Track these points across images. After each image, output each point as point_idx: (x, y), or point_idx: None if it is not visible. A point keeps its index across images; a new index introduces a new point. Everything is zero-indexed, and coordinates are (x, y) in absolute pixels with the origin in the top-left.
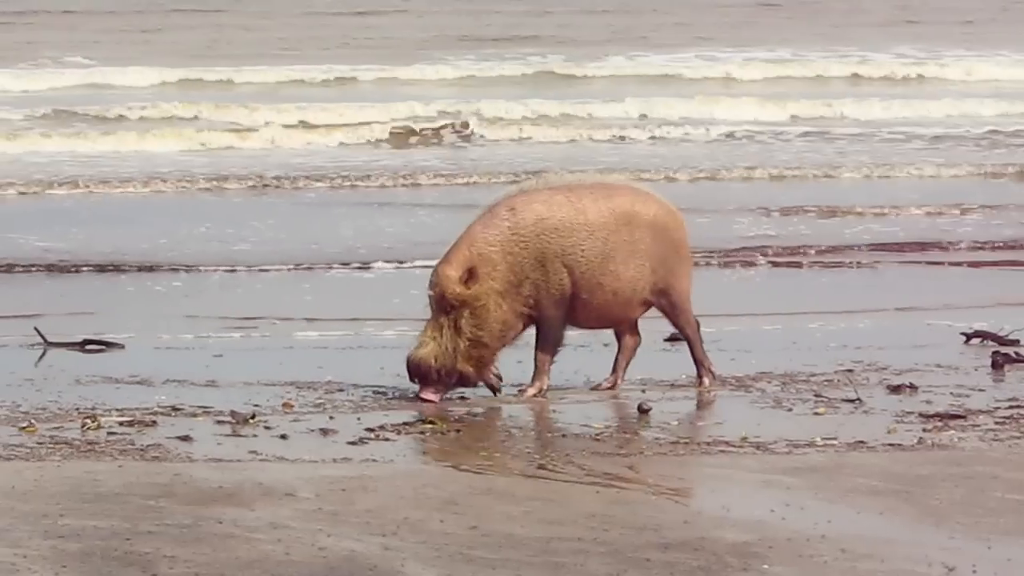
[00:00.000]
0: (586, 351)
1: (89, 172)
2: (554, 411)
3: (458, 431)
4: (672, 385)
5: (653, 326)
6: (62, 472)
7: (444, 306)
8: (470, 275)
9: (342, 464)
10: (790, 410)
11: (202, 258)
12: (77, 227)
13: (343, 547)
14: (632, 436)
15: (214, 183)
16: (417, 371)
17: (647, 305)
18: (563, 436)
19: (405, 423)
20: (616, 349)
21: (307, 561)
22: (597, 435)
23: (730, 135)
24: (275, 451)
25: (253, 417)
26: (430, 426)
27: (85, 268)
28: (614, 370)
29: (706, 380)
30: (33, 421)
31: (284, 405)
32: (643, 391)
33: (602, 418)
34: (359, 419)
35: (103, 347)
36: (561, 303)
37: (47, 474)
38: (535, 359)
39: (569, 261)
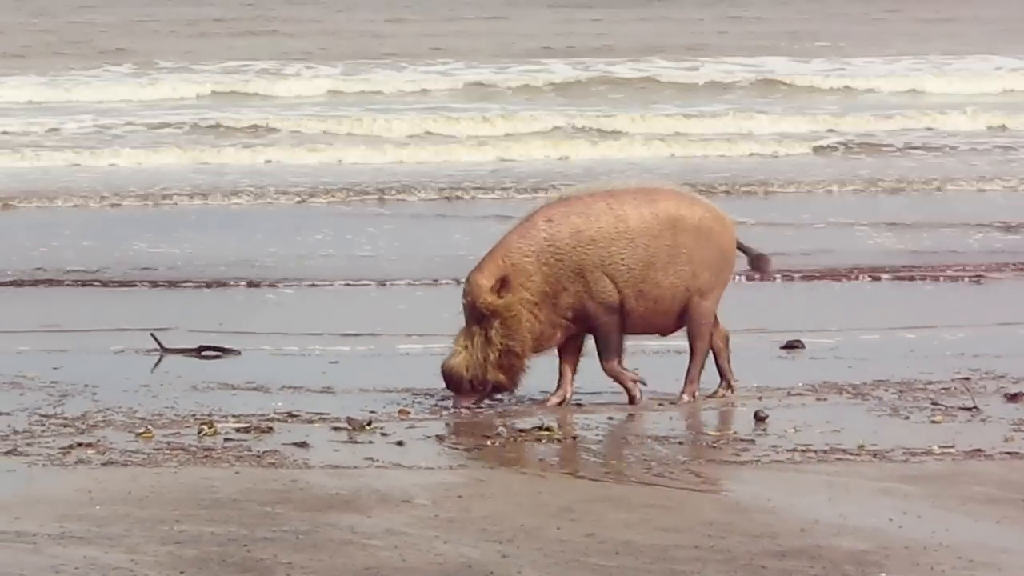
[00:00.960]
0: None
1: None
2: (671, 418)
3: (574, 438)
4: (789, 393)
5: (768, 335)
6: (179, 478)
7: (476, 315)
8: (502, 285)
9: (458, 471)
10: (907, 418)
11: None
12: (204, 237)
13: (459, 554)
14: (749, 444)
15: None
16: (449, 380)
17: (685, 312)
18: (680, 443)
19: (521, 430)
20: (714, 357)
21: (423, 568)
22: (714, 443)
23: None
24: (391, 458)
25: (370, 424)
26: (546, 433)
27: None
28: (722, 376)
29: (685, 397)
30: (150, 427)
31: (400, 412)
32: (759, 399)
33: (718, 426)
34: (475, 426)
35: (219, 353)
36: (612, 309)
37: (164, 480)
38: (606, 373)
39: (610, 270)
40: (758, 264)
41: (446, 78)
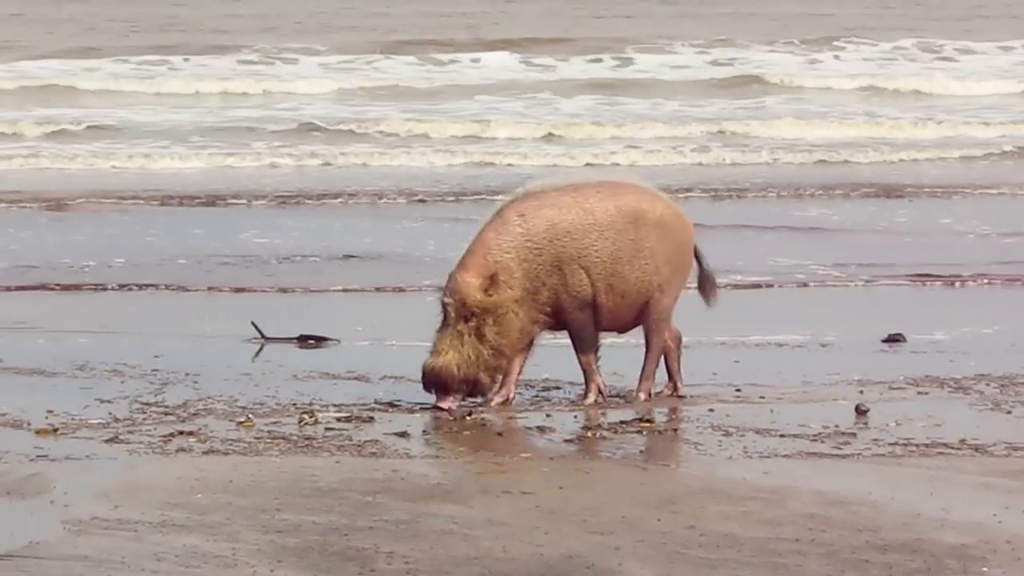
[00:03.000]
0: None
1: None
2: (772, 411)
3: (675, 430)
4: (890, 386)
5: (871, 327)
6: (280, 467)
7: (464, 314)
8: (491, 282)
9: (559, 462)
10: (1009, 412)
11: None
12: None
13: (561, 545)
14: (850, 437)
15: None
16: (438, 380)
17: (644, 309)
18: (780, 436)
19: (622, 421)
20: (664, 357)
21: (524, 558)
22: (815, 436)
23: None
24: (492, 448)
25: (471, 414)
26: (647, 424)
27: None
28: (670, 377)
29: (641, 395)
30: (251, 416)
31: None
32: (861, 392)
33: (820, 419)
34: (576, 417)
35: (319, 342)
36: (585, 304)
37: (265, 469)
38: (580, 365)
39: (585, 263)
40: (704, 281)
41: None
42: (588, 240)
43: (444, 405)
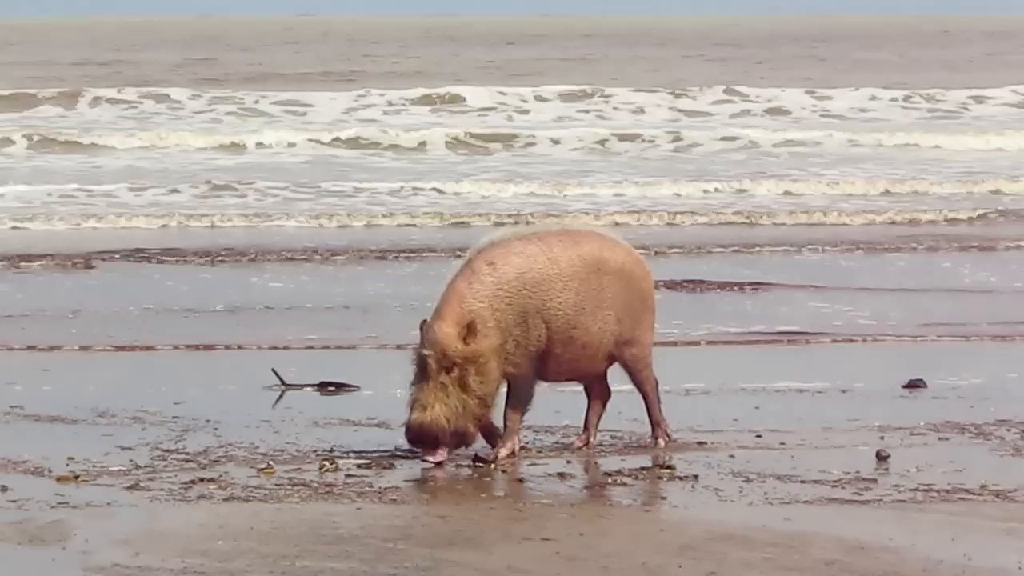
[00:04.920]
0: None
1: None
2: (792, 457)
3: (695, 477)
4: (911, 432)
5: (891, 375)
6: (300, 514)
7: (445, 365)
8: (469, 331)
9: (580, 508)
10: None
11: None
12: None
13: None
14: (871, 483)
15: None
16: (428, 435)
17: (611, 359)
18: (801, 482)
19: (642, 468)
20: (588, 405)
21: None
22: (835, 482)
23: None
24: (513, 494)
25: (494, 461)
26: (668, 471)
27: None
28: (586, 427)
29: (660, 441)
30: (271, 463)
31: (520, 448)
32: (881, 438)
33: (840, 465)
34: (597, 463)
35: (340, 389)
36: (535, 359)
37: (285, 516)
38: (505, 418)
39: (547, 315)
40: None
41: None
42: (553, 291)
43: (434, 459)
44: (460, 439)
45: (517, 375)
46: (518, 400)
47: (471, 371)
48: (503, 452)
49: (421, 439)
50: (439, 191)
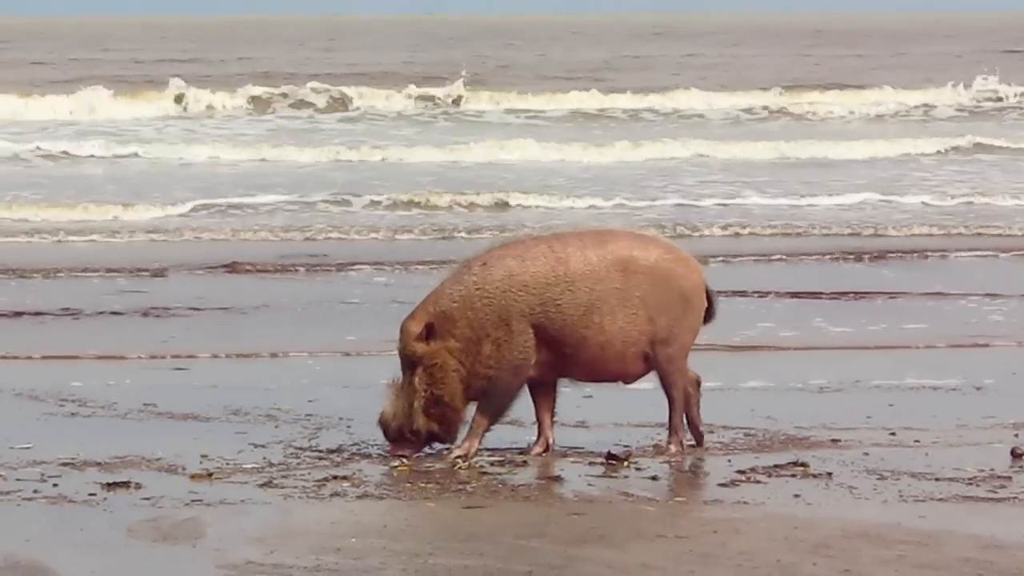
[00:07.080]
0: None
1: None
2: (926, 455)
3: (829, 474)
4: None
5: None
6: (433, 511)
7: (406, 362)
8: (428, 332)
9: (713, 506)
10: None
11: None
12: None
13: None
14: (1006, 480)
15: None
16: (381, 428)
17: (649, 360)
18: (936, 480)
19: (776, 465)
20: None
21: None
22: (970, 479)
23: None
24: (646, 492)
25: (628, 458)
26: (801, 468)
27: None
28: (691, 426)
29: (672, 447)
30: (404, 460)
31: (655, 447)
32: (1016, 435)
33: (975, 462)
34: (730, 461)
35: None
36: (520, 371)
37: (418, 513)
38: (473, 421)
39: (540, 319)
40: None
41: None
42: (551, 293)
43: (397, 452)
44: (420, 437)
45: (494, 378)
46: (488, 403)
47: (419, 371)
48: (456, 452)
49: (381, 431)
50: None
